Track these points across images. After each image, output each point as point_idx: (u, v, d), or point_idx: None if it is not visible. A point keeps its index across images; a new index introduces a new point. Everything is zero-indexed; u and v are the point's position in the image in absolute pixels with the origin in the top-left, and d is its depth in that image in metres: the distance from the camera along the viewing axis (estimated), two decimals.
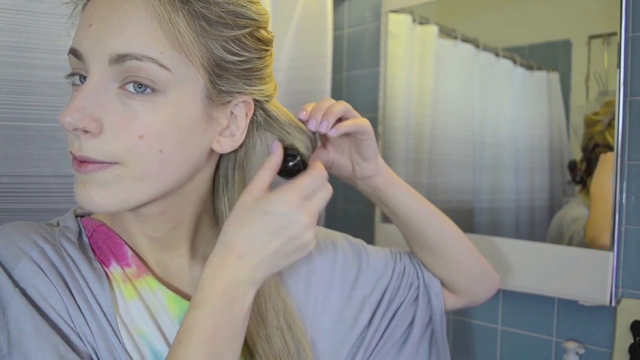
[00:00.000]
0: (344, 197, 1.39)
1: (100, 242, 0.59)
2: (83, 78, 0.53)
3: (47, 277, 0.52)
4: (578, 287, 0.96)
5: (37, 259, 0.53)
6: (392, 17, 1.25)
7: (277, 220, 0.54)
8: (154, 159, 0.52)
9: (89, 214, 0.63)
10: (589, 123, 0.97)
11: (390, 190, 0.73)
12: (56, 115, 0.85)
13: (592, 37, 0.97)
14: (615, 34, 0.93)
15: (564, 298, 0.99)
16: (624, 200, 0.94)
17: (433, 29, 1.20)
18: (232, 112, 0.57)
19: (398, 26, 1.25)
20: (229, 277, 0.53)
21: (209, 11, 0.52)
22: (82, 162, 0.51)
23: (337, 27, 1.36)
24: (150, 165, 0.52)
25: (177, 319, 0.58)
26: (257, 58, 0.57)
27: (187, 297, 0.60)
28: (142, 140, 0.51)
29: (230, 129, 0.58)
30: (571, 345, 0.98)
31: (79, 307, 0.53)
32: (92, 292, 0.54)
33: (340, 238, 0.77)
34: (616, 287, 0.93)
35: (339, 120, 0.65)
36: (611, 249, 0.93)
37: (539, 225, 1.05)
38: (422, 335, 0.79)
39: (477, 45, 1.14)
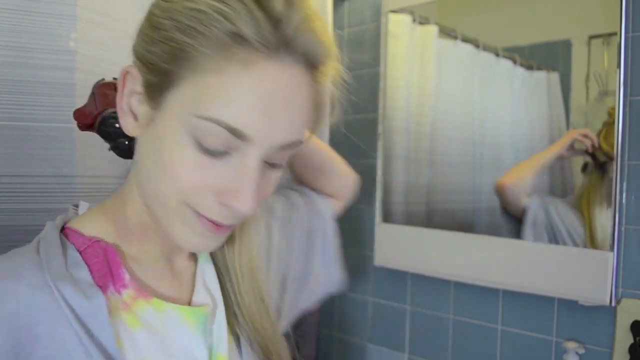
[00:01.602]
0: None
1: (94, 258, 0.55)
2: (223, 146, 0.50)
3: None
4: (578, 287, 0.96)
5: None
6: (392, 17, 1.25)
7: None
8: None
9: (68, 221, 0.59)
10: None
11: None
12: (56, 115, 0.86)
13: (592, 37, 0.97)
14: (615, 34, 0.93)
15: (564, 298, 0.99)
16: (624, 200, 0.94)
17: (433, 29, 1.20)
18: None
19: (398, 26, 1.24)
20: None
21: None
22: (220, 226, 0.53)
23: (337, 27, 1.36)
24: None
25: (198, 328, 0.58)
26: None
27: (196, 304, 0.61)
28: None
29: None
30: (571, 345, 0.98)
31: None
32: (86, 330, 0.50)
33: None
34: (616, 287, 0.93)
35: None
36: (611, 249, 0.93)
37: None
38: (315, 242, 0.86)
39: (477, 45, 1.14)
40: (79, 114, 0.65)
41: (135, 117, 0.54)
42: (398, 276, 1.25)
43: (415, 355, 1.24)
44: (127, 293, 0.55)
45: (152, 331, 0.55)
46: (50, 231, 0.56)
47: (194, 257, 0.65)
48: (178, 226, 0.53)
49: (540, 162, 1.05)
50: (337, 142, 1.38)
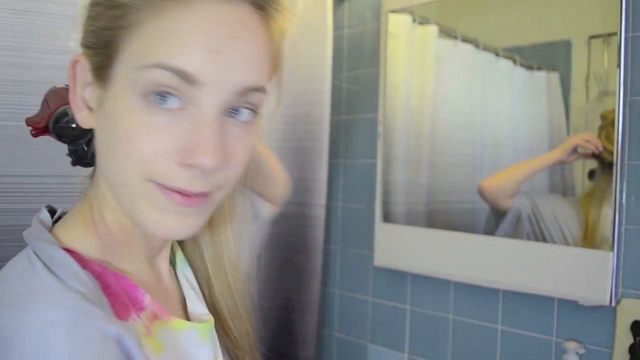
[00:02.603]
0: (343, 197, 1.39)
1: (114, 284, 0.49)
2: (176, 99, 0.47)
3: None
4: (578, 287, 0.96)
5: None
6: (392, 17, 1.25)
7: None
8: (236, 183, 0.52)
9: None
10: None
11: None
12: None
13: (592, 37, 0.97)
14: (615, 34, 0.93)
15: (564, 298, 0.99)
16: (624, 200, 0.94)
17: (433, 29, 1.20)
18: None
19: (398, 26, 1.24)
20: None
21: None
22: (189, 196, 0.48)
23: (337, 27, 1.36)
24: (231, 189, 0.52)
25: (209, 342, 0.57)
26: None
27: (195, 314, 0.60)
28: (244, 166, 0.51)
29: None
30: (571, 345, 0.98)
31: None
32: None
33: None
34: (616, 287, 0.93)
35: None
36: (611, 249, 0.93)
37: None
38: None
39: (477, 45, 1.14)
40: (31, 120, 0.60)
41: (90, 109, 0.51)
42: (398, 276, 1.25)
43: (415, 355, 1.24)
44: (145, 315, 0.51)
45: (172, 352, 0.52)
46: (71, 264, 0.47)
47: (171, 260, 0.64)
48: (145, 208, 0.48)
49: (535, 167, 1.05)
50: (337, 140, 1.38)
